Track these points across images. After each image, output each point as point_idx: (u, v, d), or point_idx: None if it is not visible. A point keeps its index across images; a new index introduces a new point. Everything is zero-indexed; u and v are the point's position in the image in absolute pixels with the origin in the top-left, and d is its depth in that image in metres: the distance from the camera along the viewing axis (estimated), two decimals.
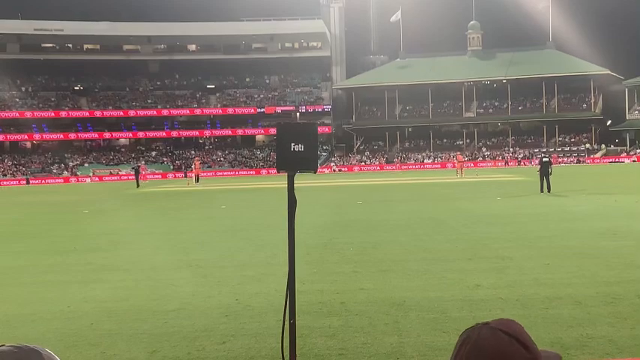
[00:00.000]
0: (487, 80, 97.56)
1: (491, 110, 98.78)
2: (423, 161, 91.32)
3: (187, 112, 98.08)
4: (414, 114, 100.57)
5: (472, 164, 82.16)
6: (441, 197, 29.67)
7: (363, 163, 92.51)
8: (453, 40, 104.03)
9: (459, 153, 70.30)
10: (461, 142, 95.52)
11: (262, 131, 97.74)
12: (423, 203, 26.19)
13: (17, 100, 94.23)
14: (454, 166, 63.54)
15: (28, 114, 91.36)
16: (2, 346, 1.77)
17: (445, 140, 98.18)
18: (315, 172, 5.24)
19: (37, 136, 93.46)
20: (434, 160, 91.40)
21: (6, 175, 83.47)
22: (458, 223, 17.97)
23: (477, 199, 27.60)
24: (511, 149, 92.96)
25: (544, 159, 30.03)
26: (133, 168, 57.38)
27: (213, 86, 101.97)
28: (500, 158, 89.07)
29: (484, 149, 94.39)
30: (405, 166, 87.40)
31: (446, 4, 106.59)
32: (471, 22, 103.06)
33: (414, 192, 34.78)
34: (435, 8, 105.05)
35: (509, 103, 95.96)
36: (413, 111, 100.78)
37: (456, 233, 15.85)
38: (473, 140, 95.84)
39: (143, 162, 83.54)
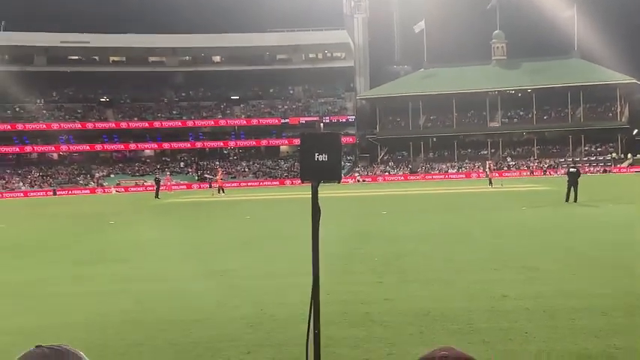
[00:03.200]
0: (512, 90, 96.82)
1: (516, 120, 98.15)
2: (447, 171, 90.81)
3: (212, 123, 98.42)
4: (438, 124, 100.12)
5: (497, 174, 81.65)
6: (466, 207, 29.45)
7: (387, 174, 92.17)
8: (477, 49, 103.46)
9: (490, 161, 69.54)
10: (485, 152, 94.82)
11: (286, 142, 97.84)
12: (448, 213, 26.04)
13: (44, 111, 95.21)
14: (485, 175, 61.65)
15: (55, 126, 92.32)
16: (40, 346, 1.83)
17: (469, 150, 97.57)
18: (339, 182, 5.24)
19: (63, 148, 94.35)
20: (458, 170, 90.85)
21: (33, 187, 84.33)
22: (483, 234, 17.86)
23: (502, 209, 27.41)
24: (536, 159, 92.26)
25: (571, 169, 29.87)
26: (155, 179, 57.50)
27: (237, 97, 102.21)
28: (526, 168, 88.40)
29: (509, 159, 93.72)
30: (430, 176, 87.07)
31: (470, 13, 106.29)
32: (496, 32, 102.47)
33: (438, 202, 34.61)
34: (458, 18, 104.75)
35: (534, 112, 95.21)
36: (437, 121, 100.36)
37: (481, 243, 15.76)
38: (497, 150, 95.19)
39: (168, 173, 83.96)
